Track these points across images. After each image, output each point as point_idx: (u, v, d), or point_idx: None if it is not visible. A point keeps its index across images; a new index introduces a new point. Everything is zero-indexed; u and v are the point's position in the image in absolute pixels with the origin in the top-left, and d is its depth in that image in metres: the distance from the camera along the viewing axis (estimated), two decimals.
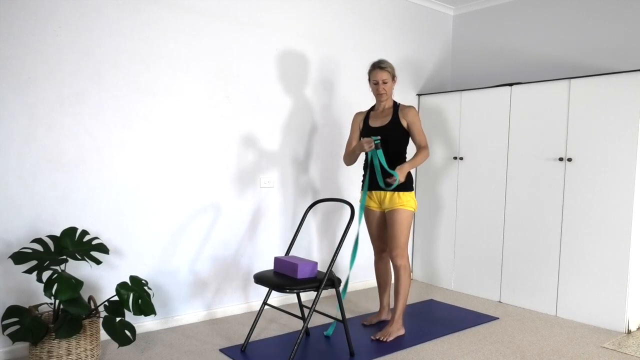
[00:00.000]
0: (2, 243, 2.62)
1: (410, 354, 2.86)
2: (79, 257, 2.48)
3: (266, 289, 3.56)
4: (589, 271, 3.40)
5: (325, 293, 3.94)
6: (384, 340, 3.02)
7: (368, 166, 3.15)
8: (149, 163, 3.07)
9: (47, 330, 2.34)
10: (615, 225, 3.27)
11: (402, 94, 4.37)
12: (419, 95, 4.51)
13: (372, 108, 3.23)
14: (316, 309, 3.09)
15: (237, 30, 3.38)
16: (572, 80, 3.46)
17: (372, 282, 4.32)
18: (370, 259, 4.26)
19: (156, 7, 3.03)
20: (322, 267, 3.94)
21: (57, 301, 2.42)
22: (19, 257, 2.37)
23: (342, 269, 4.11)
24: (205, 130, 3.28)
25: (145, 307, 2.46)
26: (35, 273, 2.37)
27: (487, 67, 4.53)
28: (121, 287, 2.45)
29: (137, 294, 2.47)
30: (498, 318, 3.52)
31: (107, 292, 2.95)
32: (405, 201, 3.05)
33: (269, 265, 3.66)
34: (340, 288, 2.97)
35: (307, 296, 3.85)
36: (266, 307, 3.59)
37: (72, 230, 2.57)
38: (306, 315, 2.84)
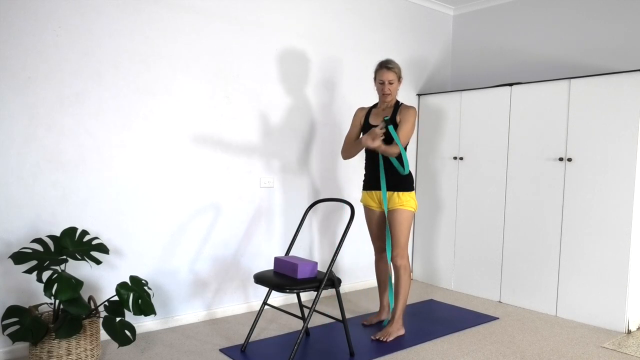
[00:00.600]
0: (2, 243, 2.62)
1: (410, 354, 2.86)
2: (79, 257, 2.48)
3: (266, 289, 3.56)
4: (589, 271, 3.40)
5: (325, 293, 3.94)
6: (384, 340, 3.03)
7: (368, 166, 3.15)
8: (149, 163, 3.07)
9: (47, 330, 2.34)
10: (615, 225, 3.27)
11: (402, 94, 4.37)
12: (419, 95, 4.51)
13: (375, 105, 3.23)
14: (316, 309, 3.09)
15: (237, 30, 3.38)
16: (572, 80, 3.46)
17: (372, 282, 4.32)
18: (370, 259, 4.26)
19: (156, 7, 3.03)
20: (322, 267, 3.94)
21: (57, 301, 2.43)
22: (19, 257, 2.37)
23: (342, 269, 4.11)
24: (205, 130, 3.28)
25: (145, 307, 2.46)
26: (35, 273, 2.37)
27: (487, 67, 4.53)
28: (121, 287, 2.45)
29: (137, 294, 2.47)
30: (498, 318, 3.52)
31: (107, 292, 2.95)
32: (405, 201, 3.05)
33: (269, 265, 3.66)
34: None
35: (307, 296, 3.85)
36: (266, 307, 3.59)
37: (72, 230, 2.57)
38: (306, 315, 2.85)
